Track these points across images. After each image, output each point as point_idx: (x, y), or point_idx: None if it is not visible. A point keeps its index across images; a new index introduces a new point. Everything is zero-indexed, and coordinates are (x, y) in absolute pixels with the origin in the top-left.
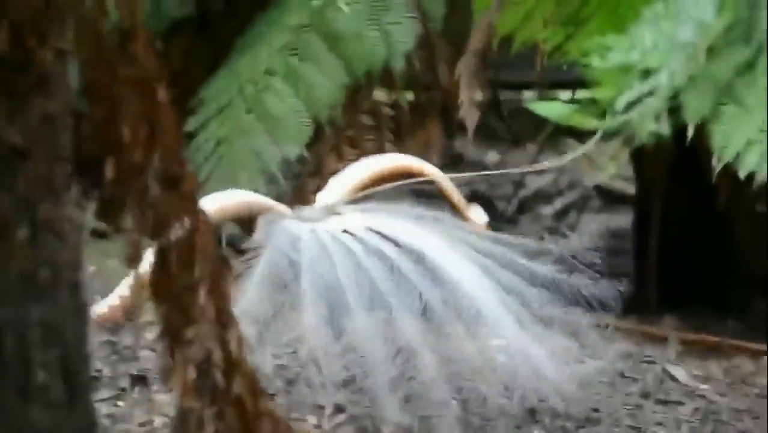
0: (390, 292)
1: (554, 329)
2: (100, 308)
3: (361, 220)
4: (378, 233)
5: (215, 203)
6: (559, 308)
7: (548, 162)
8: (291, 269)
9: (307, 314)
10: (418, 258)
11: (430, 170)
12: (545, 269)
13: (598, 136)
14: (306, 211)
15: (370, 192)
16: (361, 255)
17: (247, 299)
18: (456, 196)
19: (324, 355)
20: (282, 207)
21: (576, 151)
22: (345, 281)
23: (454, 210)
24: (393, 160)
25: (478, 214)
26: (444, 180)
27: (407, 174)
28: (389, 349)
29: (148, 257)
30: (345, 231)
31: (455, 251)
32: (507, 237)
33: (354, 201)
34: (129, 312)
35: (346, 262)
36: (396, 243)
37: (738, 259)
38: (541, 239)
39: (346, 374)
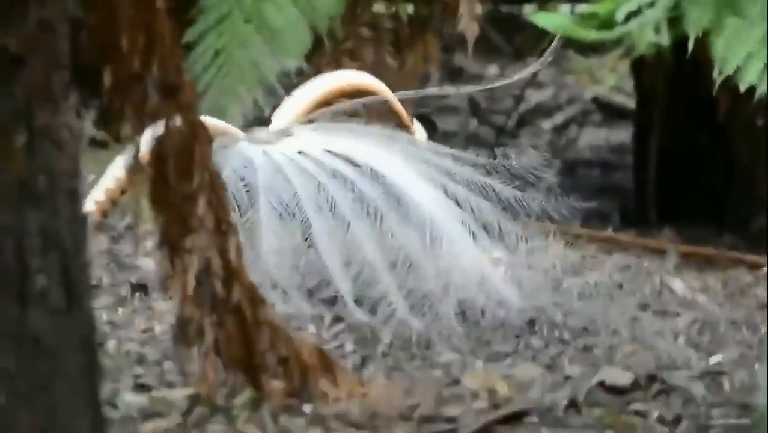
0: (349, 211)
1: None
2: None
3: (315, 140)
4: (333, 152)
5: None
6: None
7: (517, 75)
8: (247, 193)
9: (266, 234)
10: (375, 176)
11: (380, 88)
12: (503, 186)
13: (555, 44)
14: (260, 133)
15: (322, 112)
16: (318, 175)
17: None
18: (404, 113)
19: (284, 273)
20: (235, 130)
21: (526, 70)
22: (303, 201)
23: (402, 127)
24: (344, 79)
25: (419, 132)
26: (393, 98)
27: (359, 92)
28: (354, 263)
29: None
30: (300, 152)
31: (413, 169)
32: (463, 154)
33: (307, 121)
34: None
35: (302, 182)
36: (352, 162)
37: (737, 173)
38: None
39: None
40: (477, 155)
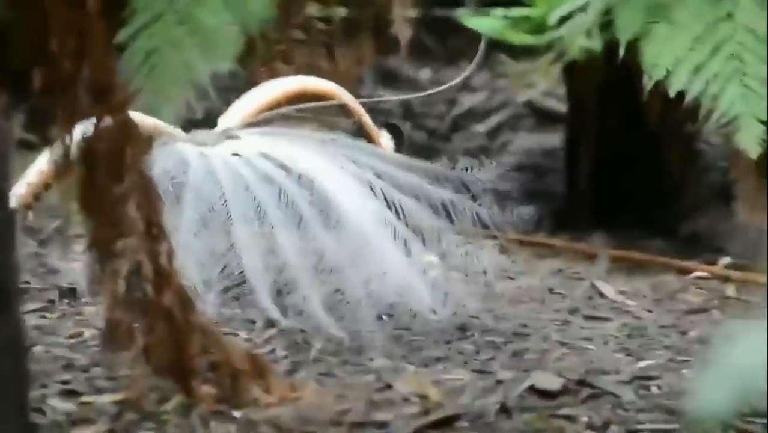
0: (274, 215)
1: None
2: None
3: (256, 144)
4: (270, 157)
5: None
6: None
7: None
8: (174, 192)
9: (184, 233)
10: (308, 182)
11: (340, 93)
12: (451, 194)
13: (482, 47)
14: (201, 135)
15: (277, 114)
16: (248, 178)
17: None
18: (366, 119)
19: (198, 272)
20: (177, 131)
21: (461, 75)
22: (229, 204)
23: (363, 133)
24: (301, 83)
25: (384, 138)
26: (354, 103)
27: (316, 97)
28: (270, 263)
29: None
30: (235, 155)
31: (351, 176)
32: (414, 162)
33: (256, 124)
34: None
35: (231, 185)
36: (287, 167)
37: (667, 178)
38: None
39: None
40: (427, 162)
